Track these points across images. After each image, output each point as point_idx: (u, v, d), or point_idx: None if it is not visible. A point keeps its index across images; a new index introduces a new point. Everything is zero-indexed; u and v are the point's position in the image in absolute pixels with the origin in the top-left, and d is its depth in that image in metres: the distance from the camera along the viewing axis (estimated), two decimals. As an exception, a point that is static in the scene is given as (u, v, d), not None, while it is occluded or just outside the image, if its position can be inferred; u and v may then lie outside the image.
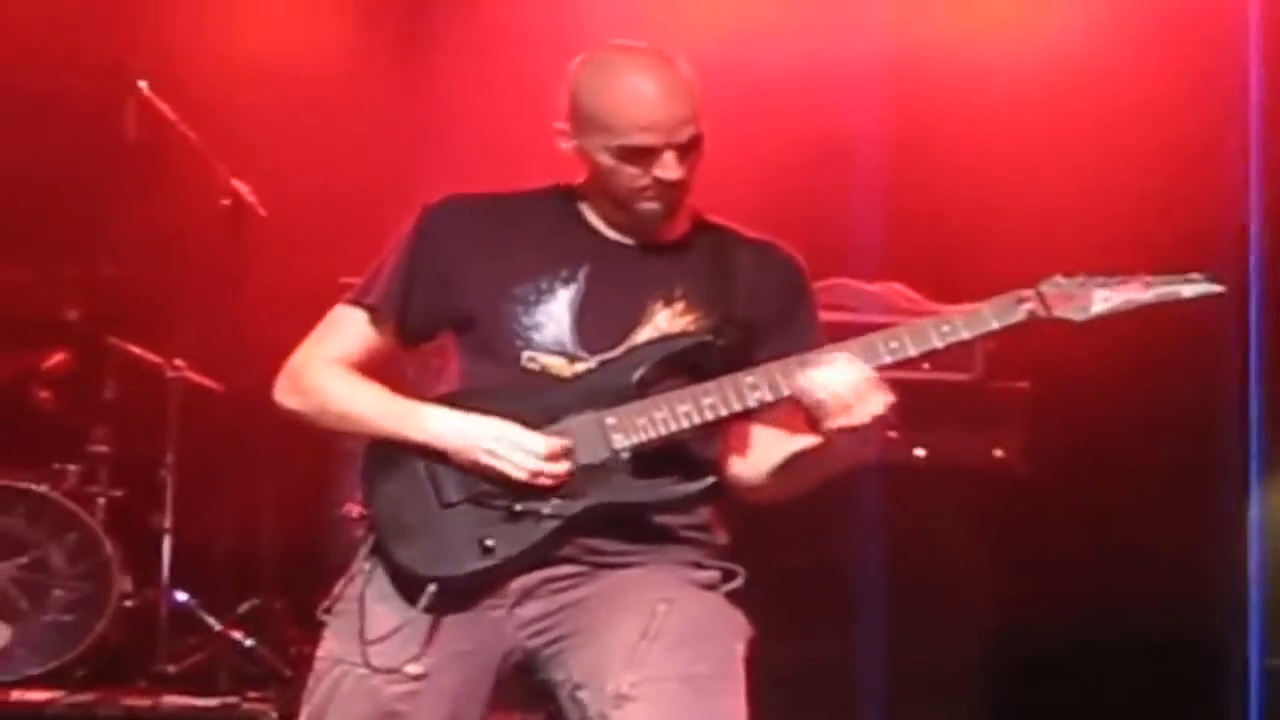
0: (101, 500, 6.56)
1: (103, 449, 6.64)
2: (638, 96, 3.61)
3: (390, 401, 3.70)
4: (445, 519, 3.61)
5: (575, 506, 3.60)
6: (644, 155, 3.62)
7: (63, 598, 6.34)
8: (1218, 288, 3.54)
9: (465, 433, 3.62)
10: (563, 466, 3.59)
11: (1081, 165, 6.68)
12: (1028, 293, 3.56)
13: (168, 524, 6.57)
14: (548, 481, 3.59)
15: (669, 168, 3.62)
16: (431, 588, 3.58)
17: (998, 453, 6.01)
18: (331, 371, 3.76)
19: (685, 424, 3.60)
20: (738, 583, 3.74)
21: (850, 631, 5.86)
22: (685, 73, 3.66)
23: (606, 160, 3.65)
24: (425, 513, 3.62)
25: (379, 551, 3.67)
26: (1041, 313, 3.55)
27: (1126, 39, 6.77)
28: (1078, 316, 3.55)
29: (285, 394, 3.82)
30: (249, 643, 6.58)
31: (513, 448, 3.59)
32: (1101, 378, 6.10)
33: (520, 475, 3.58)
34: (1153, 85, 6.62)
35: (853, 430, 3.51)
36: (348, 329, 3.80)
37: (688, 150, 3.63)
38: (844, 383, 3.49)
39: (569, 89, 3.71)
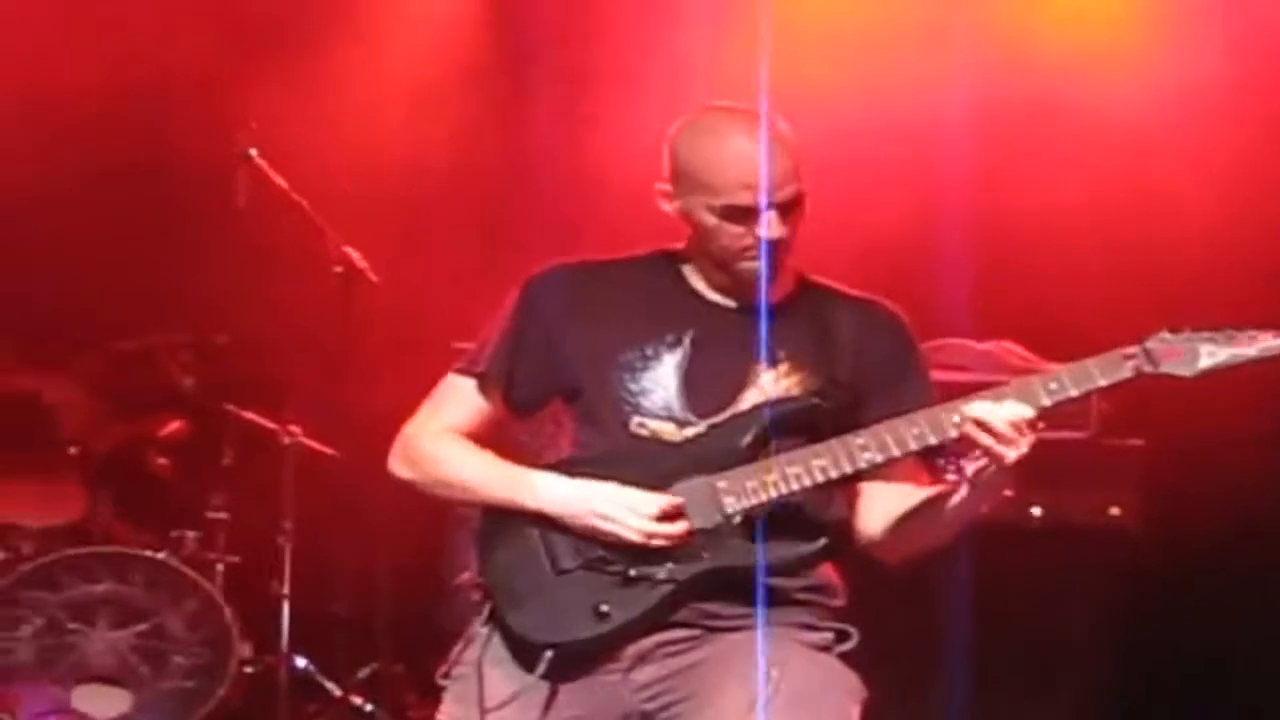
0: (220, 566, 6.56)
1: (220, 515, 6.64)
2: (740, 155, 3.64)
3: (502, 469, 3.73)
4: (560, 585, 3.63)
5: (689, 571, 3.61)
6: (746, 214, 3.64)
7: (183, 664, 6.34)
8: None
9: (577, 498, 3.64)
10: (676, 527, 3.60)
11: (1187, 217, 6.60)
12: (1133, 349, 3.56)
13: (286, 590, 6.58)
14: (661, 542, 3.60)
15: (771, 226, 3.64)
16: (548, 654, 3.60)
17: (1114, 511, 5.95)
18: (443, 441, 3.80)
19: (796, 486, 3.60)
20: (851, 644, 3.74)
21: (965, 695, 5.79)
22: (786, 132, 3.68)
23: (709, 220, 3.68)
24: (539, 579, 3.64)
25: (495, 618, 3.69)
26: (1148, 368, 3.55)
27: (1219, 92, 6.69)
28: (1185, 371, 3.54)
29: (399, 464, 3.87)
30: (369, 708, 6.58)
31: (624, 510, 3.61)
32: (1217, 434, 6.02)
33: (633, 537, 3.60)
34: (1246, 140, 6.56)
35: (1006, 467, 3.49)
36: (458, 398, 3.84)
37: (789, 209, 3.66)
38: (1015, 417, 3.49)
39: (670, 150, 3.74)
